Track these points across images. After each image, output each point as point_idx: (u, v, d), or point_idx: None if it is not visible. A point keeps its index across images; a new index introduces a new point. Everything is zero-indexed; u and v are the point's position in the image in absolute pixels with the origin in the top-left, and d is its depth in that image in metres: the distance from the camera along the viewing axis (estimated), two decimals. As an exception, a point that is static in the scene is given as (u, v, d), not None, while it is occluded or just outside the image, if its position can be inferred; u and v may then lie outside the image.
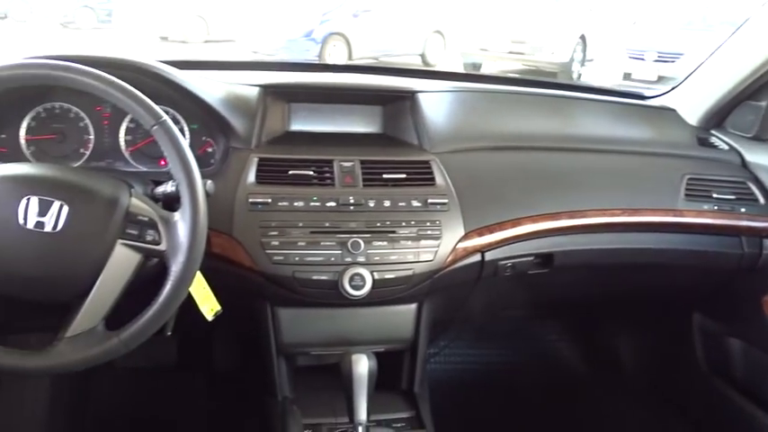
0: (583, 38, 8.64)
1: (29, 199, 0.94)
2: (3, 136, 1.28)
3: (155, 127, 0.97)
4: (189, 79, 1.28)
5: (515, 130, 1.46)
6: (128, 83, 1.00)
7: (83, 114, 1.31)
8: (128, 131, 1.32)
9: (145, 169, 1.31)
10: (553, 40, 8.29)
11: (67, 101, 1.30)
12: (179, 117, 1.29)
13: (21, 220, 0.93)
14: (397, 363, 1.35)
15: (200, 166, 1.02)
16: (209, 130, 1.32)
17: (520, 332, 2.06)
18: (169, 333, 1.16)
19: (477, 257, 1.28)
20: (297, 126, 1.40)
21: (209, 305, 1.13)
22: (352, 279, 1.15)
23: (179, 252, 0.96)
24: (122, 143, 1.32)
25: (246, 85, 1.36)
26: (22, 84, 1.00)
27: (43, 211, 0.94)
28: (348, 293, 1.15)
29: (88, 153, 1.31)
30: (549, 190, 1.36)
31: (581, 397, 1.95)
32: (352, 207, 1.21)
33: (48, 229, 0.94)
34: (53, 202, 0.95)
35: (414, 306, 1.30)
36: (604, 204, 1.37)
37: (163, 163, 1.32)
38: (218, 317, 1.14)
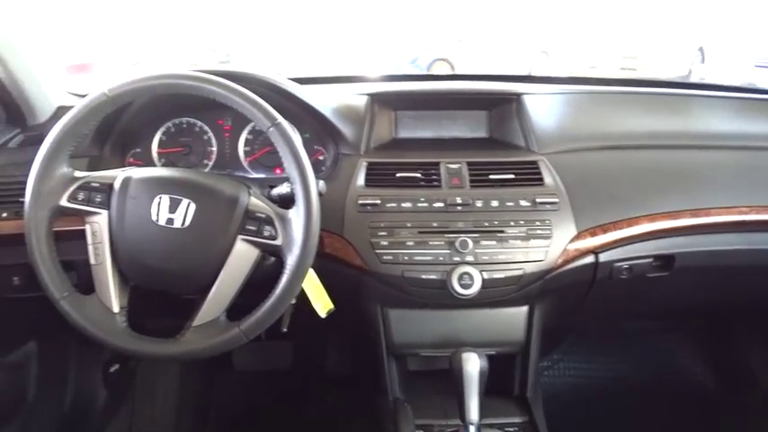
0: (701, 50, 8.19)
1: (161, 198, 1.02)
2: (138, 150, 1.40)
3: (271, 129, 1.02)
4: (302, 91, 1.34)
5: (626, 129, 1.41)
6: None
7: (206, 128, 1.41)
8: (246, 143, 1.40)
9: (262, 176, 1.38)
10: (668, 54, 7.91)
11: (193, 116, 1.41)
12: (292, 127, 1.35)
13: (153, 217, 1.01)
14: (508, 368, 1.32)
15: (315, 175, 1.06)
16: (320, 138, 1.38)
17: (639, 344, 1.94)
18: (285, 330, 1.20)
19: (590, 258, 1.24)
20: (404, 133, 1.43)
21: (322, 303, 1.15)
22: (460, 278, 1.14)
23: (294, 246, 1.00)
24: (241, 153, 1.40)
25: (355, 94, 1.41)
26: (151, 93, 1.08)
27: (173, 208, 1.01)
28: (457, 293, 1.14)
29: (211, 163, 1.40)
30: (668, 188, 1.29)
31: (709, 418, 1.80)
32: (459, 207, 1.21)
33: (177, 225, 1.01)
34: (181, 200, 1.02)
35: (525, 309, 1.27)
36: (729, 202, 1.28)
37: (278, 171, 1.39)
38: (329, 320, 1.17)
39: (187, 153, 1.40)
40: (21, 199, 1.05)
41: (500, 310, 1.25)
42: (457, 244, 1.16)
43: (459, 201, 1.21)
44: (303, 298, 1.13)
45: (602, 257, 1.24)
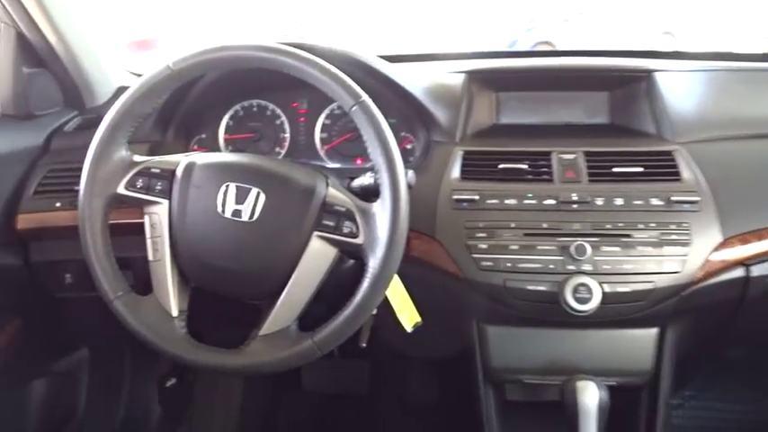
0: None
1: (227, 186, 1.01)
2: (203, 136, 1.42)
3: (354, 107, 0.99)
4: (389, 68, 1.33)
5: None
6: None
7: (279, 111, 1.42)
8: (323, 128, 1.40)
9: (340, 167, 1.38)
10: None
11: (264, 98, 1.42)
12: None
13: (219, 208, 1.01)
14: (632, 404, 1.25)
15: None
16: (408, 123, 1.36)
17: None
18: (363, 345, 1.18)
19: (739, 272, 1.16)
20: (507, 118, 1.39)
21: (408, 315, 1.13)
22: (575, 290, 1.08)
23: (377, 246, 0.97)
24: (318, 141, 1.40)
25: (450, 72, 1.38)
26: (221, 66, 1.09)
27: (241, 198, 1.01)
28: (571, 308, 1.09)
29: (283, 152, 1.41)
30: None
31: None
32: (575, 206, 1.16)
33: (244, 217, 1.00)
34: (250, 189, 1.01)
35: (654, 331, 1.20)
36: None
37: (359, 162, 1.38)
38: (415, 336, 1.14)
39: (257, 140, 1.41)
40: (76, 188, 1.07)
41: (624, 331, 1.20)
42: (572, 249, 1.11)
43: (574, 198, 1.16)
44: (386, 308, 1.11)
45: (756, 271, 1.16)
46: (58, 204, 1.27)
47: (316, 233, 1.00)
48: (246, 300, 1.10)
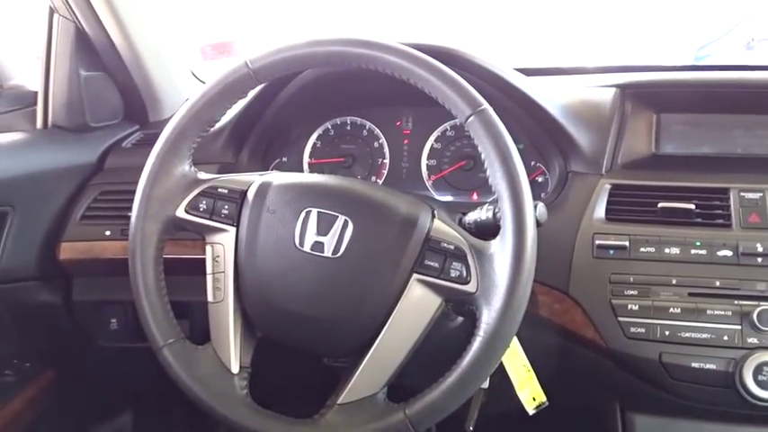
0: None
1: (308, 212, 1.02)
2: (284, 159, 1.46)
3: (471, 118, 0.98)
4: (521, 80, 1.32)
5: None
6: None
7: (378, 132, 1.43)
8: (432, 153, 1.40)
9: (452, 201, 1.37)
10: None
11: (360, 114, 1.44)
12: None
13: (297, 240, 1.01)
14: None
15: None
16: (540, 150, 1.34)
17: None
18: (470, 429, 1.14)
19: None
20: (671, 146, 1.34)
21: (530, 391, 1.10)
22: (759, 371, 1.03)
23: (494, 295, 0.94)
24: (424, 169, 1.41)
25: (598, 87, 1.36)
26: (311, 64, 1.10)
27: (324, 228, 1.00)
28: (752, 395, 1.03)
29: (381, 181, 1.42)
30: None
31: None
32: (760, 259, 1.11)
33: (327, 252, 1.00)
34: (336, 217, 1.00)
35: None
36: None
37: (476, 196, 1.36)
38: (539, 420, 1.11)
39: (349, 165, 1.43)
40: (130, 213, 1.10)
41: None
42: (754, 316, 1.06)
43: (759, 249, 1.11)
44: (501, 382, 1.08)
45: None
46: (107, 233, 1.32)
47: (416, 276, 0.98)
48: (325, 356, 1.10)
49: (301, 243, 1.00)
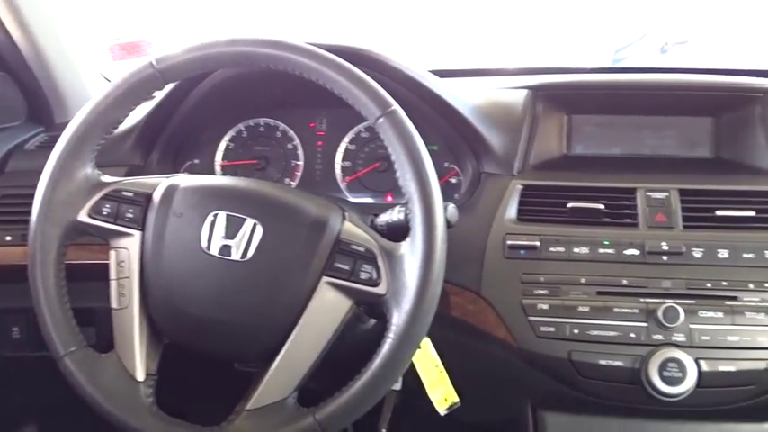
0: None
1: (215, 215, 1.01)
2: (195, 161, 1.44)
3: (380, 119, 0.99)
4: (434, 81, 1.33)
5: None
6: None
7: (291, 133, 1.43)
8: (346, 155, 1.41)
9: (367, 203, 1.38)
10: None
11: (274, 116, 1.44)
12: None
13: (203, 243, 1.00)
14: None
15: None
16: (453, 151, 1.36)
17: None
18: (384, 431, 1.15)
19: None
20: (581, 147, 1.37)
21: (442, 392, 1.11)
22: (663, 368, 1.06)
23: (403, 297, 0.94)
24: (338, 170, 1.41)
25: (509, 89, 1.38)
26: (218, 64, 1.09)
27: (232, 231, 1.00)
28: (657, 390, 1.06)
29: (295, 183, 1.42)
30: None
31: None
32: (665, 257, 1.14)
33: (235, 255, 0.99)
34: (244, 220, 1.00)
35: None
36: None
37: (390, 198, 1.37)
38: (449, 425, 1.13)
39: (263, 167, 1.42)
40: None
41: (727, 426, 1.16)
42: (659, 314, 1.08)
43: (665, 247, 1.14)
44: (414, 382, 1.09)
45: None
46: (8, 238, 1.29)
47: (325, 278, 0.98)
48: (235, 361, 1.09)
49: (208, 247, 0.99)
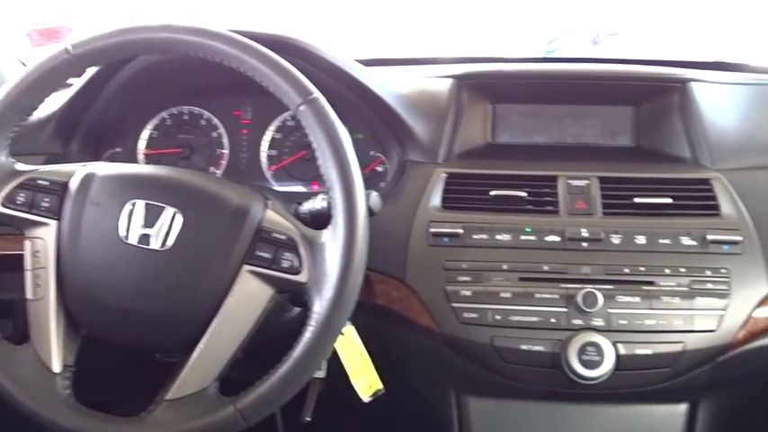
0: None
1: (134, 204, 1.00)
2: (118, 150, 1.43)
3: (302, 107, 0.99)
4: (358, 69, 1.34)
5: None
6: None
7: (216, 121, 1.43)
8: (272, 144, 1.41)
9: (293, 191, 1.38)
10: None
11: (198, 104, 1.43)
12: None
13: (122, 232, 0.99)
14: None
15: (366, 188, 1.03)
16: (379, 139, 1.37)
17: None
18: (308, 419, 1.16)
19: None
20: (505, 136, 1.40)
21: (366, 379, 1.12)
22: (582, 351, 1.08)
23: (325, 285, 0.95)
24: (264, 159, 1.41)
25: (434, 77, 1.39)
26: (134, 51, 1.08)
27: (151, 220, 0.99)
28: (576, 374, 1.08)
29: (220, 171, 1.41)
30: None
31: None
32: (585, 244, 1.16)
33: (154, 245, 0.98)
34: (163, 208, 0.99)
35: (683, 408, 1.20)
36: None
37: (316, 187, 1.37)
38: (376, 408, 1.13)
39: (187, 156, 1.41)
40: None
41: (643, 407, 1.20)
42: (579, 299, 1.10)
43: (585, 234, 1.16)
44: (337, 370, 1.10)
45: None
46: None
47: (246, 267, 0.98)
48: (155, 352, 1.08)
49: (126, 236, 0.99)
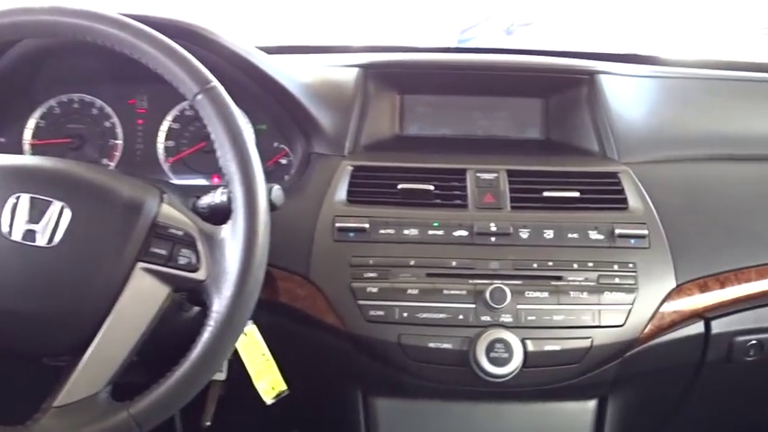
0: None
1: (18, 198, 0.96)
2: (1, 140, 1.37)
3: (199, 96, 0.97)
4: (261, 58, 1.31)
5: (755, 132, 1.39)
6: None
7: (109, 110, 1.38)
8: (170, 134, 1.38)
9: (193, 185, 1.35)
10: None
11: (90, 91, 1.38)
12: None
13: (4, 228, 0.95)
14: None
15: (269, 182, 1.02)
16: (283, 131, 1.35)
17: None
18: (207, 423, 1.14)
19: (697, 327, 1.19)
20: (413, 128, 1.40)
21: (269, 381, 1.10)
22: (491, 348, 1.08)
23: (224, 283, 0.94)
24: (161, 150, 1.37)
25: (340, 66, 1.38)
26: (17, 35, 1.05)
27: (36, 215, 0.95)
28: (485, 372, 1.08)
29: (113, 164, 1.37)
30: None
31: None
32: (493, 239, 1.17)
33: (41, 241, 0.95)
34: (51, 203, 0.96)
35: (592, 405, 1.23)
36: None
37: (217, 180, 1.34)
38: (280, 411, 1.12)
39: (77, 147, 1.37)
40: None
41: (552, 405, 1.21)
42: (487, 295, 1.10)
43: (493, 228, 1.17)
44: (239, 372, 1.08)
45: (717, 326, 1.19)
46: None
47: (141, 264, 0.96)
48: (43, 355, 1.04)
49: (10, 232, 0.95)
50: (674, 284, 1.16)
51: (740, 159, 1.34)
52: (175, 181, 1.35)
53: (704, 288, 1.18)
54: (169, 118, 1.38)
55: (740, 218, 1.24)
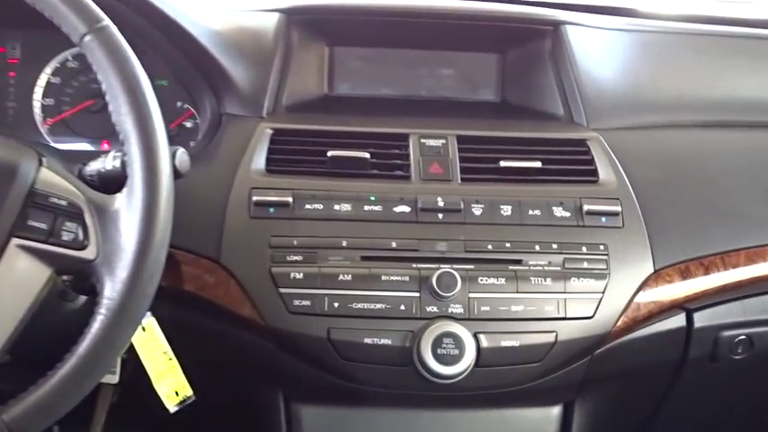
0: None
1: None
2: None
3: (87, 37, 0.95)
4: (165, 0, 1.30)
5: (743, 96, 1.42)
6: None
7: None
8: (48, 91, 1.37)
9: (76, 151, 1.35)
10: None
11: None
12: None
13: None
14: None
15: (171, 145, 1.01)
16: (188, 88, 1.35)
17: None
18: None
19: (678, 320, 1.22)
20: (345, 86, 1.41)
21: (171, 383, 1.09)
22: (438, 344, 1.09)
23: (119, 263, 0.92)
24: (38, 109, 1.36)
25: (258, 11, 1.38)
26: None
27: None
28: (431, 372, 1.09)
29: None
30: None
31: None
32: (441, 215, 1.18)
33: None
34: None
35: (556, 411, 1.24)
36: None
37: (106, 146, 1.34)
38: (187, 419, 1.12)
39: None
40: None
41: (509, 411, 1.23)
42: (433, 281, 1.11)
43: (440, 204, 1.18)
44: (135, 374, 1.08)
45: (700, 319, 1.22)
46: None
47: (15, 241, 0.94)
48: None
49: None
50: (651, 270, 1.18)
51: (726, 126, 1.37)
52: (56, 146, 1.34)
53: (686, 274, 1.19)
54: (48, 70, 1.36)
55: (727, 193, 1.27)
